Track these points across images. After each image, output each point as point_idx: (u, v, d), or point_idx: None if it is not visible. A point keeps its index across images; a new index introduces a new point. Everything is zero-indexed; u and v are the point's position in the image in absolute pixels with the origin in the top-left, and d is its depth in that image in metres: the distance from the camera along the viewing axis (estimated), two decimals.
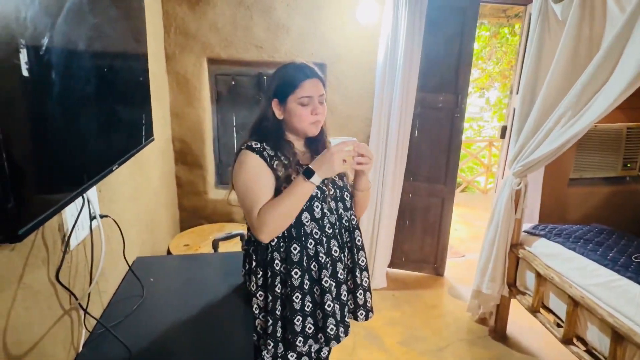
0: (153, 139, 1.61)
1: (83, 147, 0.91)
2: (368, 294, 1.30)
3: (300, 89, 1.13)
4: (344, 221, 1.24)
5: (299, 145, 1.24)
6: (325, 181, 1.18)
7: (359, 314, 1.29)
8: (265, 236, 1.10)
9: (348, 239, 1.26)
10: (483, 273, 2.34)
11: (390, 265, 3.02)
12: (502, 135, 3.08)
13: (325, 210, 1.19)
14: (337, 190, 1.24)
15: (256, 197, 1.11)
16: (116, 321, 1.20)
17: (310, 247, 1.18)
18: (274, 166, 1.14)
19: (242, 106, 2.67)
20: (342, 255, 1.23)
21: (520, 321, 2.45)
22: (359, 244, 1.29)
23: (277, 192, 1.14)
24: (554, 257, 2.00)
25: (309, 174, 1.07)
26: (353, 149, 1.08)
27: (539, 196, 2.75)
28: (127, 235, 1.58)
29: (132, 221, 1.67)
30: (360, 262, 1.29)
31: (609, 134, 3.20)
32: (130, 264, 1.43)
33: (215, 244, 1.80)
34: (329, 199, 1.20)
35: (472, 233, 4.04)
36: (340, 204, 1.23)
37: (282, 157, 1.16)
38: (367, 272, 1.32)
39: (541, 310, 2.06)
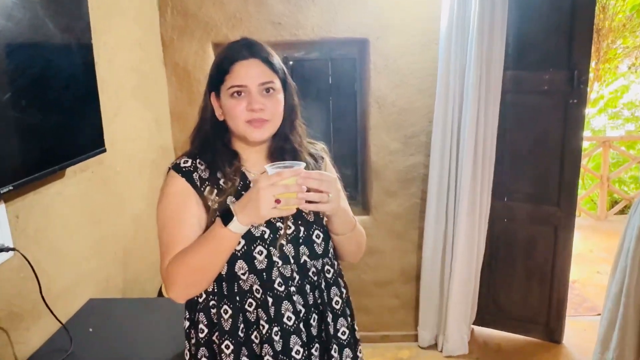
0: (104, 150, 1.63)
1: None
2: None
3: (231, 74, 1.03)
4: (310, 274, 1.10)
5: (256, 158, 1.12)
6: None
7: None
8: (176, 295, 1.01)
9: (319, 300, 1.11)
10: (605, 345, 2.05)
11: (479, 322, 2.75)
12: None
13: (275, 259, 1.06)
14: (301, 229, 1.09)
15: (171, 240, 1.01)
16: None
17: (250, 309, 1.06)
18: (205, 193, 1.05)
19: None
20: (302, 324, 1.08)
21: None
22: (337, 307, 1.13)
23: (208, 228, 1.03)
24: None
25: (227, 216, 0.95)
26: (296, 183, 0.92)
27: None
28: (72, 271, 1.61)
29: (84, 253, 1.69)
30: (339, 334, 1.13)
31: None
32: (81, 308, 1.38)
33: None
34: (283, 241, 1.07)
35: None
36: (303, 249, 1.09)
37: (222, 180, 1.06)
38: (355, 349, 1.16)
39: None
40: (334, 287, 1.14)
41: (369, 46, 2.42)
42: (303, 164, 0.97)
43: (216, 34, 2.45)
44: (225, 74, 1.04)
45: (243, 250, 1.04)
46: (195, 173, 1.06)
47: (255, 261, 1.04)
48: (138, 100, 2.13)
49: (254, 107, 1.02)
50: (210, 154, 1.08)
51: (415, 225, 2.57)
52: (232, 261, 1.03)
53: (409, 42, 2.40)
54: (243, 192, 1.03)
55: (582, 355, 2.63)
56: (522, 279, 2.71)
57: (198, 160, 1.07)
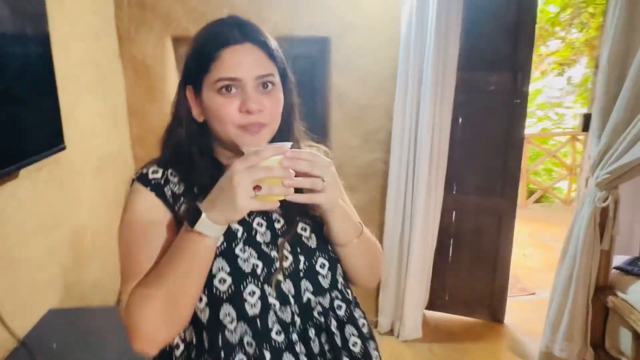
0: (63, 148, 1.41)
1: None
2: None
3: (217, 63, 0.77)
4: (315, 314, 0.82)
5: None
6: (275, 240, 0.81)
7: None
8: (143, 343, 0.72)
9: (326, 346, 0.82)
10: (554, 328, 2.08)
11: (430, 307, 2.77)
12: (585, 128, 2.69)
13: (272, 300, 0.79)
14: (300, 259, 0.83)
15: (134, 271, 0.76)
16: None
17: None
18: (180, 213, 0.80)
19: None
20: None
21: None
22: (355, 349, 0.83)
23: None
24: None
25: (192, 215, 0.71)
26: (280, 165, 0.69)
27: None
28: (28, 281, 1.39)
29: (41, 260, 1.47)
30: None
31: None
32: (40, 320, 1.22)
33: None
34: (280, 277, 0.80)
35: (548, 260, 3.73)
36: (305, 284, 0.82)
37: (200, 197, 0.77)
38: None
39: None
40: (349, 325, 0.85)
41: (330, 45, 2.36)
42: (289, 143, 0.72)
43: (176, 27, 2.26)
44: (209, 61, 0.77)
45: (230, 290, 0.76)
46: (167, 186, 0.81)
47: (246, 304, 0.77)
48: (95, 94, 1.90)
49: (251, 107, 0.76)
50: (185, 164, 0.82)
51: (375, 218, 2.55)
52: (215, 305, 0.77)
53: (370, 42, 2.36)
54: None
55: (521, 332, 2.72)
56: (469, 265, 2.76)
57: (170, 171, 0.82)
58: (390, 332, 2.65)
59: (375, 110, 2.43)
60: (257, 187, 0.67)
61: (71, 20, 1.69)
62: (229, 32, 0.78)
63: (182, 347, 0.80)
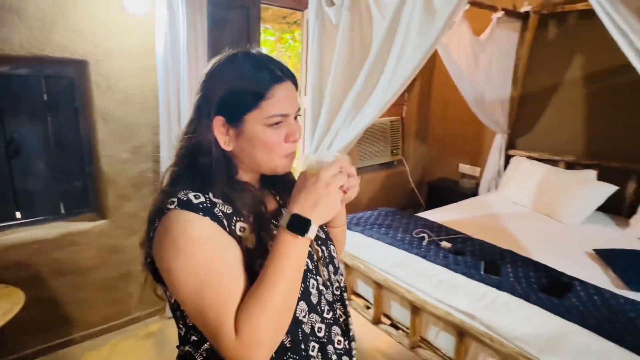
0: None
1: None
2: None
3: (270, 101, 0.75)
4: (334, 290, 0.90)
5: (255, 185, 0.88)
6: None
7: None
8: (264, 355, 0.68)
9: (342, 312, 0.91)
10: None
11: None
12: None
13: (321, 287, 0.84)
14: (323, 248, 0.89)
15: (225, 300, 0.68)
16: None
17: (314, 354, 0.79)
18: (237, 231, 0.75)
19: None
20: (346, 342, 0.89)
21: None
22: (347, 317, 0.93)
23: (249, 274, 0.73)
24: (358, 246, 2.29)
25: (301, 225, 0.69)
26: (341, 169, 0.75)
27: None
28: None
29: None
30: (353, 348, 0.93)
31: (379, 126, 3.93)
32: None
33: None
34: (322, 267, 0.86)
35: None
36: (331, 268, 0.90)
37: (245, 212, 0.78)
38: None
39: (353, 297, 2.34)
40: (345, 293, 0.94)
41: (89, 67, 2.21)
42: (335, 153, 0.78)
43: None
44: (260, 99, 0.75)
45: (301, 288, 0.77)
46: (217, 208, 0.74)
47: (311, 297, 0.80)
48: None
49: (297, 137, 0.79)
50: (220, 187, 0.77)
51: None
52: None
53: (130, 65, 2.32)
54: (274, 221, 0.82)
55: None
56: None
57: (209, 195, 0.75)
58: None
59: (141, 127, 2.43)
60: (344, 191, 0.74)
61: None
62: (274, 70, 0.77)
63: None
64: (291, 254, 0.69)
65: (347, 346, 0.89)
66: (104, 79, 2.24)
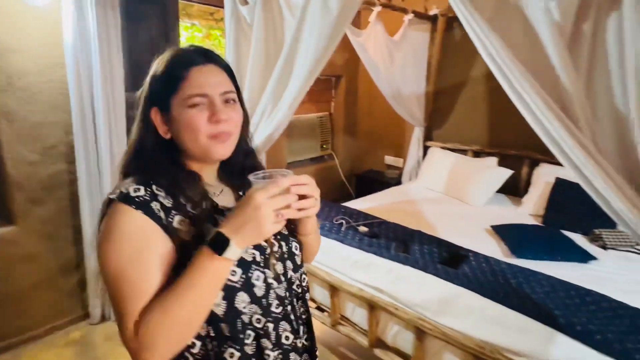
0: None
1: None
2: None
3: (188, 82, 0.78)
4: (294, 287, 0.89)
5: (208, 177, 0.87)
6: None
7: None
8: (157, 359, 0.69)
9: (303, 313, 0.92)
10: None
11: None
12: None
13: (270, 280, 0.83)
14: (282, 244, 0.88)
15: (134, 294, 0.70)
16: None
17: (248, 342, 0.79)
18: (174, 225, 0.75)
19: None
20: (297, 339, 0.88)
21: None
22: (309, 315, 0.95)
23: (183, 267, 0.72)
24: None
25: (220, 243, 0.69)
26: (288, 192, 0.72)
27: None
28: None
29: None
30: (313, 343, 0.95)
31: (307, 122, 4.06)
32: None
33: None
34: (274, 261, 0.84)
35: None
36: (288, 264, 0.88)
37: (188, 205, 0.78)
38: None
39: None
40: (307, 293, 0.95)
41: None
42: (291, 172, 0.75)
43: None
44: (178, 81, 0.77)
45: (242, 279, 0.78)
46: (155, 202, 0.75)
47: (255, 288, 0.79)
48: None
49: (221, 117, 0.77)
50: (165, 177, 0.78)
51: (69, 224, 2.46)
52: (230, 295, 0.76)
53: (34, 63, 2.20)
54: (216, 216, 0.80)
55: None
56: None
57: (154, 187, 0.77)
58: (103, 318, 2.60)
59: (51, 127, 2.31)
60: (278, 215, 0.70)
61: None
62: (193, 55, 0.81)
63: (198, 344, 0.78)
64: (208, 270, 0.69)
65: (304, 343, 0.90)
66: (5, 76, 2.10)
